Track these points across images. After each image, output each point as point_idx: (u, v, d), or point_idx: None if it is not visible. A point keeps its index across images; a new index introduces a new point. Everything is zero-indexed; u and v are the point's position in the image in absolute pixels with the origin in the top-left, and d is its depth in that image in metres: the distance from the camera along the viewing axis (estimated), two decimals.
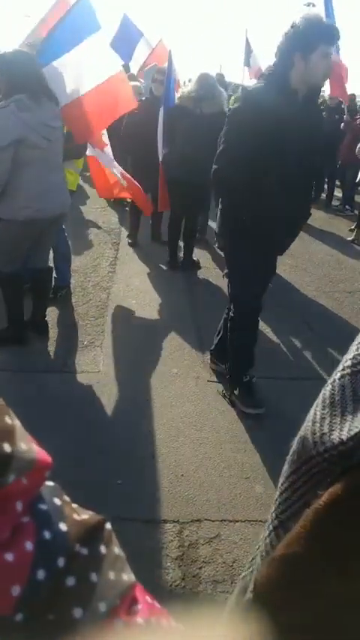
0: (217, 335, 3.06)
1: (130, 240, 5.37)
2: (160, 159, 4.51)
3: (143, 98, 5.03)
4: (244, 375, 2.80)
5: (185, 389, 2.97)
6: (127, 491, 2.17)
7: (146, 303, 4.06)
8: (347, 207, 7.77)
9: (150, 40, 7.52)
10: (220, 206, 2.65)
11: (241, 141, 2.32)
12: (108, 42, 3.83)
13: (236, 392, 2.80)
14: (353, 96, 7.83)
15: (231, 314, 2.76)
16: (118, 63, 3.61)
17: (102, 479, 2.22)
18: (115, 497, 2.13)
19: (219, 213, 2.66)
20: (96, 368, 3.08)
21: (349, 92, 7.56)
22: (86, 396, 2.83)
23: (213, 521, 2.07)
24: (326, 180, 8.13)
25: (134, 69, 7.57)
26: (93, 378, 2.99)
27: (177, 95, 4.47)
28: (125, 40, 7.30)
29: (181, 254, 4.92)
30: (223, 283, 4.54)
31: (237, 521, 2.07)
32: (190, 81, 4.63)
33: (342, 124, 7.47)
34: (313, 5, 2.96)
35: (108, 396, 2.83)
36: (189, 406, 2.80)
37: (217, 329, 3.07)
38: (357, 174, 7.14)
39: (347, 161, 7.23)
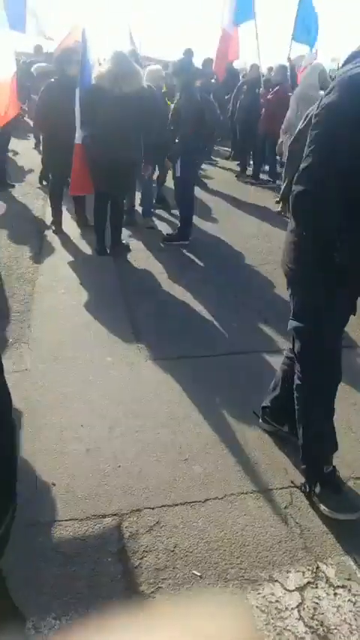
0: (272, 392, 2.45)
1: (54, 228, 5.17)
2: (78, 140, 4.34)
3: (52, 79, 4.80)
4: (326, 465, 2.11)
5: (120, 377, 2.91)
6: (63, 492, 2.10)
7: (75, 292, 3.94)
8: (270, 179, 7.88)
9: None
10: (295, 230, 1.91)
11: (344, 150, 1.56)
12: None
13: (317, 490, 2.09)
14: (256, 66, 7.87)
15: (298, 372, 2.07)
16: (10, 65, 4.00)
17: (36, 481, 2.14)
18: (50, 499, 2.06)
19: (293, 237, 1.94)
20: (23, 366, 2.95)
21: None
22: (14, 396, 2.70)
23: (153, 508, 2.04)
24: (251, 153, 8.20)
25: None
26: (21, 377, 2.86)
27: (93, 75, 4.29)
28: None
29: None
30: (153, 266, 4.50)
31: (177, 505, 2.06)
32: (104, 60, 4.44)
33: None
34: None
35: (38, 394, 2.72)
36: (125, 394, 2.75)
37: (273, 384, 2.45)
38: (274, 145, 7.27)
39: (265, 133, 7.28)
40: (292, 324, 2.05)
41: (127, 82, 4.04)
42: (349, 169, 1.53)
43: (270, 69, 8.88)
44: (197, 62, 7.69)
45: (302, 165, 1.63)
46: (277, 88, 7.02)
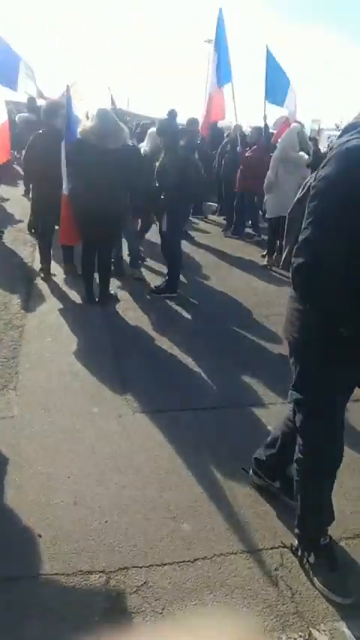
0: (268, 448, 2.39)
1: (42, 275, 5.22)
2: (65, 191, 4.48)
3: (40, 131, 4.99)
4: (322, 536, 2.04)
5: (107, 428, 2.88)
6: (49, 544, 2.03)
7: (62, 340, 3.94)
8: (254, 232, 8.16)
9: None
10: (298, 300, 1.89)
11: (349, 221, 1.56)
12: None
13: (311, 559, 2.02)
14: (239, 126, 8.34)
15: (300, 445, 2.00)
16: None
17: (21, 532, 2.07)
18: (35, 552, 1.99)
19: (296, 306, 1.92)
20: (10, 413, 2.91)
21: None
22: (0, 442, 2.65)
23: (140, 567, 1.99)
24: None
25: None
26: (7, 424, 2.81)
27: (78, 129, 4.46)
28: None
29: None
30: (141, 317, 4.55)
31: (165, 565, 2.01)
32: (88, 116, 4.67)
33: None
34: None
35: (25, 442, 2.67)
36: (112, 447, 2.71)
37: (271, 439, 2.39)
38: (253, 200, 7.65)
39: (243, 189, 7.61)
40: (292, 395, 1.99)
41: (112, 138, 4.22)
42: (350, 244, 1.56)
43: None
44: (182, 120, 8.19)
45: (301, 237, 1.65)
46: (254, 147, 7.41)
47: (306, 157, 6.09)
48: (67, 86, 4.69)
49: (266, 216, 6.62)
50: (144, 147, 5.59)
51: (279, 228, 6.43)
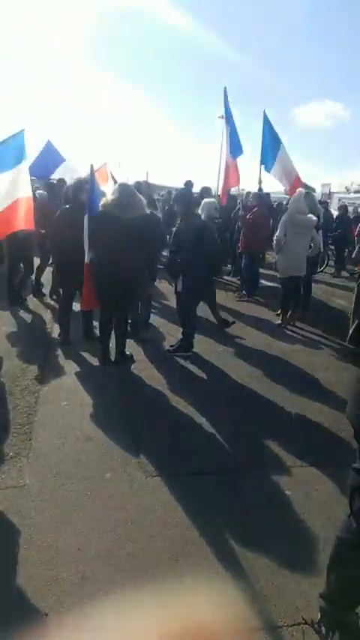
0: None
1: (61, 339, 5.32)
2: (87, 260, 4.66)
3: (67, 206, 5.28)
4: (350, 615, 1.97)
5: (119, 495, 2.81)
6: (55, 625, 1.94)
7: (77, 404, 3.94)
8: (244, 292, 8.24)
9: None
10: None
11: None
12: (27, 168, 5.12)
13: (335, 636, 1.91)
14: (249, 193, 8.74)
15: (353, 525, 1.90)
16: (28, 189, 5.05)
17: (28, 611, 1.99)
18: (41, 632, 1.89)
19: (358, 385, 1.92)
20: (22, 481, 2.87)
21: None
22: (11, 512, 2.61)
23: None
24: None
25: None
26: (19, 493, 2.77)
27: (100, 203, 4.70)
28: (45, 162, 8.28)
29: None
30: (157, 378, 4.55)
31: None
32: (113, 191, 4.93)
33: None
34: None
35: (34, 513, 2.61)
36: (123, 514, 2.64)
37: None
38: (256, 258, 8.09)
39: (246, 249, 7.99)
40: (355, 478, 1.90)
41: (131, 209, 4.44)
42: None
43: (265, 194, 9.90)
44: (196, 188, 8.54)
45: None
46: (254, 209, 7.76)
47: (314, 219, 6.27)
48: (91, 165, 5.01)
49: (278, 276, 6.72)
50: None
51: (290, 287, 6.53)
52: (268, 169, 8.32)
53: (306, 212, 6.24)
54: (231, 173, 8.68)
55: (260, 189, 8.51)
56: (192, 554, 2.37)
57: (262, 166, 8.25)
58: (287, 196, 8.49)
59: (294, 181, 8.09)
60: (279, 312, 6.86)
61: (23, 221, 4.99)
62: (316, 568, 2.31)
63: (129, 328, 5.16)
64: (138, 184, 6.93)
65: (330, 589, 1.95)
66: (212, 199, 6.73)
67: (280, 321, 6.62)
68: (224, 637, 0.24)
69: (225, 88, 8.19)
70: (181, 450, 3.35)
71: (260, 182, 8.42)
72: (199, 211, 5.97)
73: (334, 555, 1.94)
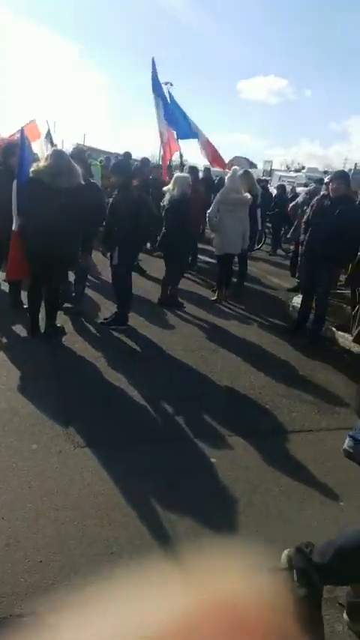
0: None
1: None
2: (15, 227, 4.47)
3: None
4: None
5: (46, 465, 2.80)
6: None
7: (4, 375, 3.84)
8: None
9: None
10: None
11: None
12: None
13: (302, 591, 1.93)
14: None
15: None
16: None
17: None
18: None
19: None
20: None
21: None
22: None
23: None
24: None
25: None
26: None
27: (31, 169, 4.51)
28: None
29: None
30: (89, 350, 4.51)
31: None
32: (46, 157, 4.73)
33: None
34: None
35: None
36: (49, 484, 2.64)
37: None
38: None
39: None
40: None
41: (64, 178, 4.29)
42: None
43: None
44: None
45: None
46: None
47: (249, 197, 6.35)
48: (22, 128, 4.77)
49: (215, 253, 6.79)
50: (170, 191, 5.85)
51: (226, 264, 6.64)
52: (195, 137, 8.33)
53: (240, 190, 6.31)
54: (170, 145, 8.62)
55: (182, 163, 8.47)
56: (118, 521, 2.42)
57: (177, 137, 8.22)
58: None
59: (211, 152, 8.15)
60: (214, 288, 6.97)
61: None
62: (237, 529, 2.44)
63: (61, 300, 5.07)
64: (78, 149, 6.69)
65: (329, 564, 1.91)
66: (186, 174, 6.57)
67: (215, 297, 6.73)
68: (154, 599, 0.24)
69: (153, 58, 7.98)
70: (112, 422, 3.37)
71: (181, 156, 8.38)
72: (171, 186, 5.92)
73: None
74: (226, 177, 6.69)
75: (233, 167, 6.88)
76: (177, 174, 6.59)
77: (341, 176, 5.37)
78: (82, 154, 6.29)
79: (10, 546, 2.18)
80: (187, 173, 7.84)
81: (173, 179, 6.08)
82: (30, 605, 1.89)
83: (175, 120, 8.13)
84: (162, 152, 9.00)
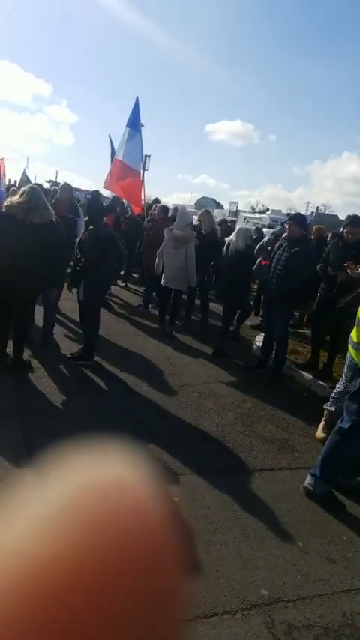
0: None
1: None
2: None
3: None
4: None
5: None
6: None
7: None
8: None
9: None
10: None
11: None
12: None
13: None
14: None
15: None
16: None
17: None
18: None
19: None
20: None
21: None
22: None
23: None
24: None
25: None
26: None
27: (5, 203, 4.58)
28: None
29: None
30: (54, 386, 4.50)
31: None
32: (21, 193, 4.81)
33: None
34: None
35: None
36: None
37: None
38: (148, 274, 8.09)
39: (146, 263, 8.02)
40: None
41: (37, 214, 4.38)
42: None
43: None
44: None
45: None
46: (157, 222, 7.76)
47: (193, 234, 6.58)
48: (2, 161, 4.87)
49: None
50: (233, 242, 5.99)
51: (166, 296, 6.78)
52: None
53: (184, 228, 6.52)
54: (133, 190, 8.88)
55: (155, 201, 8.83)
56: None
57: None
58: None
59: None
60: (181, 322, 7.11)
61: None
62: (197, 568, 2.46)
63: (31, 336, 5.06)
64: (65, 189, 6.79)
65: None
66: (248, 227, 6.77)
67: (158, 326, 6.84)
68: None
69: (137, 98, 8.41)
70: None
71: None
72: (233, 237, 6.07)
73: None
74: (177, 214, 6.93)
75: (180, 205, 7.18)
76: (240, 227, 6.81)
77: (292, 218, 5.68)
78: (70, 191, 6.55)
79: None
80: (157, 210, 8.03)
81: (236, 231, 6.22)
82: None
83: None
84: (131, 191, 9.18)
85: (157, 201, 10.68)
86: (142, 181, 8.74)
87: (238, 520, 2.97)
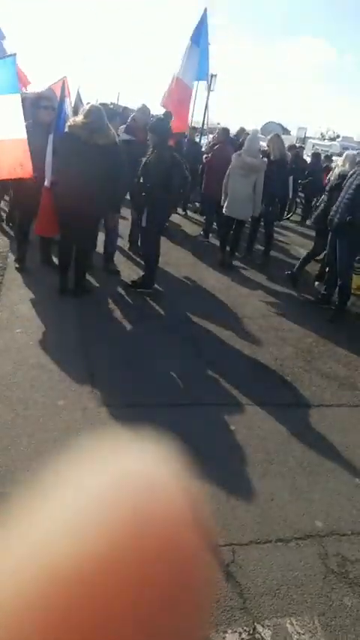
0: None
1: (17, 265, 5.18)
2: (47, 184, 4.46)
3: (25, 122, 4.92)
4: None
5: (71, 422, 2.89)
6: None
7: (32, 331, 3.92)
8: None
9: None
10: None
11: None
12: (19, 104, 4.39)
13: None
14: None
15: None
16: (22, 131, 4.35)
17: None
18: None
19: None
20: None
21: None
22: None
23: None
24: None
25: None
26: None
27: (67, 123, 4.44)
28: None
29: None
30: (115, 311, 4.56)
31: None
32: (82, 110, 4.63)
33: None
34: None
35: None
36: (73, 441, 2.73)
37: None
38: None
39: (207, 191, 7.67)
40: None
41: (102, 135, 4.24)
42: None
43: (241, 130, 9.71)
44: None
45: None
46: (216, 146, 7.36)
47: (264, 161, 6.14)
48: (64, 80, 4.69)
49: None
50: (339, 166, 5.62)
51: (228, 227, 6.47)
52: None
53: (256, 154, 6.11)
54: (185, 100, 8.37)
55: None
56: None
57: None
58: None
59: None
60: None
61: (19, 168, 4.42)
62: (250, 497, 2.50)
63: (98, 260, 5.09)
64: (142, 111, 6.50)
65: None
66: (355, 152, 6.20)
67: (219, 257, 6.64)
68: None
69: (205, 9, 7.75)
70: (132, 382, 3.43)
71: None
72: (340, 162, 5.69)
73: None
74: (246, 139, 6.46)
75: (253, 129, 6.67)
76: (348, 152, 6.22)
77: None
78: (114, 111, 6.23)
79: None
80: (217, 133, 7.56)
81: (344, 156, 5.77)
82: None
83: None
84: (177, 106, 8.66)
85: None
86: (207, 104, 8.22)
87: (295, 452, 2.97)
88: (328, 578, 2.11)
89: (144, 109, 6.49)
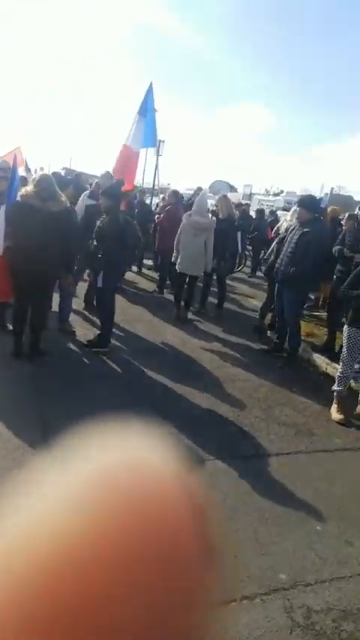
0: None
1: None
2: (0, 252, 4.54)
3: None
4: None
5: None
6: None
7: None
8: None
9: None
10: None
11: None
12: None
13: None
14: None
15: None
16: None
17: None
18: None
19: None
20: None
21: None
22: None
23: None
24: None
25: None
26: None
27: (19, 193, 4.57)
28: None
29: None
30: (71, 372, 4.54)
31: None
32: (33, 180, 4.80)
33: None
34: None
35: None
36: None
37: None
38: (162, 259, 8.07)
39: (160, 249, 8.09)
40: None
41: (55, 202, 4.39)
42: None
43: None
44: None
45: None
46: (168, 207, 7.78)
47: (212, 220, 6.49)
48: (18, 149, 4.85)
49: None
50: (287, 221, 5.93)
51: (181, 283, 6.71)
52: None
53: (205, 214, 6.45)
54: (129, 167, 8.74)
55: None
56: None
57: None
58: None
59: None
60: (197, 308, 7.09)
61: None
62: (215, 555, 2.48)
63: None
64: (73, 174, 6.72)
65: None
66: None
67: (174, 312, 6.80)
68: None
69: (151, 82, 8.29)
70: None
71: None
72: (289, 217, 5.97)
73: None
74: (195, 201, 6.82)
75: (202, 190, 7.05)
76: (294, 208, 6.39)
77: (301, 202, 5.57)
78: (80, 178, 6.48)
79: None
80: (167, 195, 7.93)
81: (292, 211, 6.06)
82: None
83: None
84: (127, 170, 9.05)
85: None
86: (157, 167, 8.64)
87: (256, 504, 2.98)
88: (294, 632, 2.10)
89: (107, 175, 6.75)
